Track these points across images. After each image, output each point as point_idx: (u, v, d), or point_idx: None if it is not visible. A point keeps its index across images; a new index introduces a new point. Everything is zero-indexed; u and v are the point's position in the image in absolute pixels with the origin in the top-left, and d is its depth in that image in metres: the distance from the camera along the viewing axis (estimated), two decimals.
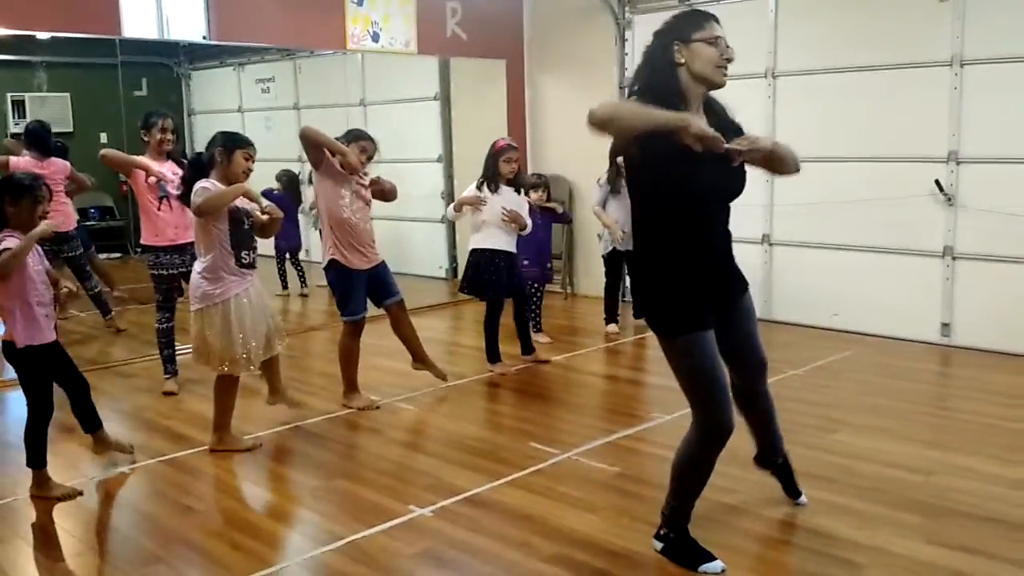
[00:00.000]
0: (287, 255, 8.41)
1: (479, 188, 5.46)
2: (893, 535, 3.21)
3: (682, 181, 2.75)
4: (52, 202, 5.87)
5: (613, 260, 6.62)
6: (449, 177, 8.85)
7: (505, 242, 5.46)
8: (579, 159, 7.39)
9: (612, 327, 6.59)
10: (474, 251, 5.52)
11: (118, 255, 9.51)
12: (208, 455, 4.22)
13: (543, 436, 4.39)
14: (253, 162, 4.15)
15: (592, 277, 8.00)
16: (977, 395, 4.97)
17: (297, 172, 8.59)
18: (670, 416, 4.62)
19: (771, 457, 3.44)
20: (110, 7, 5.68)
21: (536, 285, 6.39)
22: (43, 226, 3.69)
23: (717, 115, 2.87)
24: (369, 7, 6.97)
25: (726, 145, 2.64)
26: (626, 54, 7.56)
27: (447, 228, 8.95)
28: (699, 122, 2.61)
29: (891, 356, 5.80)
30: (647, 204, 2.86)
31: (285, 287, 8.40)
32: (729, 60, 2.78)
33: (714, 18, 2.82)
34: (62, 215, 6.22)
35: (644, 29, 7.39)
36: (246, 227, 4.12)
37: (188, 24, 6.12)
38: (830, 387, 5.12)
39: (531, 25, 8.20)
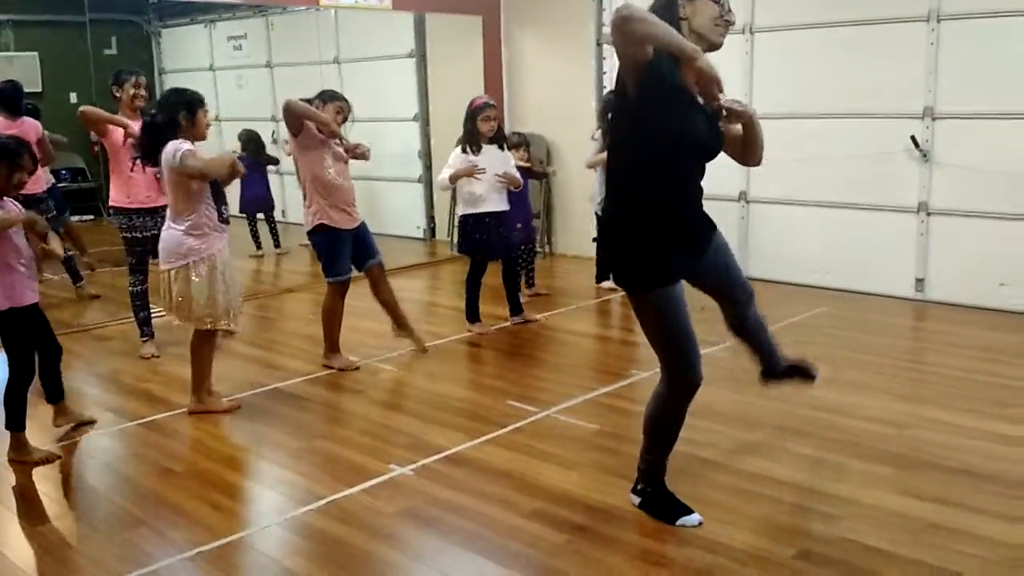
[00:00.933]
0: (260, 215, 8.35)
1: (463, 151, 5.39)
2: (867, 487, 3.27)
3: (673, 130, 2.73)
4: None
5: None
6: (426, 136, 8.78)
7: (494, 202, 5.42)
8: (557, 117, 7.37)
9: (606, 283, 6.64)
10: (463, 216, 5.49)
11: (90, 217, 9.38)
12: (187, 418, 4.21)
13: (522, 395, 4.41)
14: None
15: (570, 235, 8.01)
16: (950, 349, 5.04)
17: (272, 131, 8.50)
18: (648, 373, 4.65)
19: (776, 366, 3.33)
20: None
21: (527, 245, 6.43)
22: (25, 215, 3.66)
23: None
24: None
25: (721, 97, 2.66)
26: (604, 10, 7.49)
27: (424, 187, 8.90)
28: (708, 59, 2.60)
29: (866, 311, 5.86)
30: (630, 153, 2.82)
31: (259, 247, 8.35)
32: (729, 22, 2.79)
33: None
34: (36, 177, 6.13)
35: None
36: (220, 187, 4.10)
37: None
38: (806, 343, 5.15)
39: None
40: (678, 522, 3.03)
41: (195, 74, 10.14)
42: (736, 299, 3.14)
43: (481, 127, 5.35)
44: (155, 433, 4.05)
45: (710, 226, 2.97)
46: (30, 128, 6.25)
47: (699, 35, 2.76)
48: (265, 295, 6.89)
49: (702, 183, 2.91)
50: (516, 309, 5.74)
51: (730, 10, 2.80)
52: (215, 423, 4.17)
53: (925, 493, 3.21)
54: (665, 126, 2.72)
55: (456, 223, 5.60)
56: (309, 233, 4.87)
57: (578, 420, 4.04)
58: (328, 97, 4.80)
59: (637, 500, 3.15)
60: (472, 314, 5.57)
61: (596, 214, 6.66)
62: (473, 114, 5.39)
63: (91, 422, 4.11)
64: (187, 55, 10.61)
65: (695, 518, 3.03)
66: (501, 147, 5.50)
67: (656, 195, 2.80)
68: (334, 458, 3.71)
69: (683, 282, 2.88)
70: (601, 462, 3.58)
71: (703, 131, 2.78)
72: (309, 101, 4.73)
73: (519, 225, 6.13)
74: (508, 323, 5.70)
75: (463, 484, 3.41)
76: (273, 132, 8.82)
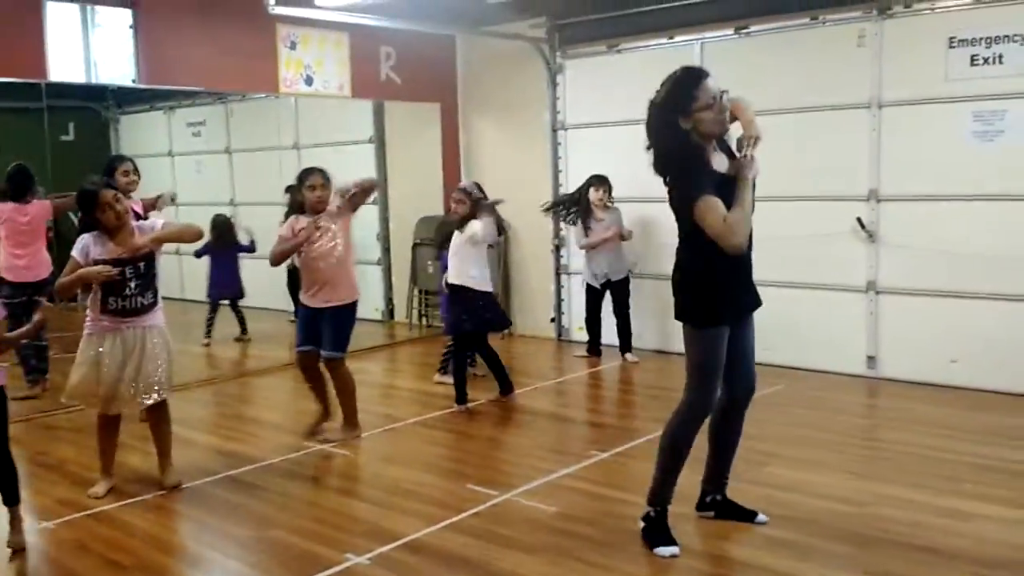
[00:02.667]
0: (224, 302, 8.14)
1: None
2: (828, 566, 3.26)
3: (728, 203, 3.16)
4: (33, 248, 5.82)
5: (592, 294, 6.90)
6: (385, 220, 8.84)
7: (457, 278, 5.63)
8: (514, 200, 7.44)
9: (593, 357, 6.90)
10: (483, 293, 5.65)
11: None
12: (136, 508, 4.09)
13: (481, 477, 4.36)
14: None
15: (528, 316, 8.04)
16: (904, 426, 5.09)
17: (230, 215, 8.48)
18: (607, 453, 4.64)
19: (720, 483, 3.68)
20: (36, 51, 5.59)
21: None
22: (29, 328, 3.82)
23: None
24: (302, 51, 6.98)
25: (751, 157, 3.20)
26: (557, 98, 7.69)
27: (383, 270, 8.92)
28: (751, 173, 3.19)
29: (820, 389, 5.93)
30: (695, 231, 3.19)
31: (208, 335, 8.08)
32: (725, 109, 3.17)
33: (704, 76, 3.17)
34: (42, 262, 6.14)
35: (575, 73, 7.57)
36: (118, 278, 4.04)
37: (117, 68, 6.05)
38: (761, 421, 5.16)
39: (465, 69, 8.29)
40: (656, 550, 3.32)
41: (154, 160, 10.16)
42: (736, 386, 3.48)
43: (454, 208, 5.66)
44: (103, 524, 3.92)
45: (756, 297, 3.46)
46: (42, 211, 6.21)
47: (706, 134, 3.18)
48: (221, 380, 6.78)
49: (752, 248, 3.34)
50: (507, 388, 5.85)
51: (723, 97, 3.16)
52: (166, 513, 4.05)
53: (889, 572, 3.21)
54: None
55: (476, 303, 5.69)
56: (350, 308, 5.00)
57: (538, 503, 3.99)
58: (304, 177, 4.94)
59: (642, 525, 3.43)
60: (462, 396, 5.68)
61: (588, 285, 6.91)
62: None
63: (22, 548, 3.70)
64: (146, 141, 10.64)
65: (672, 550, 3.31)
66: (461, 229, 5.64)
67: (716, 257, 3.18)
68: (288, 548, 3.62)
69: (727, 335, 3.32)
70: (561, 545, 3.53)
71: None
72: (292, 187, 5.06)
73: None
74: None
75: (421, 572, 3.34)
76: (232, 216, 8.81)
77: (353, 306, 4.99)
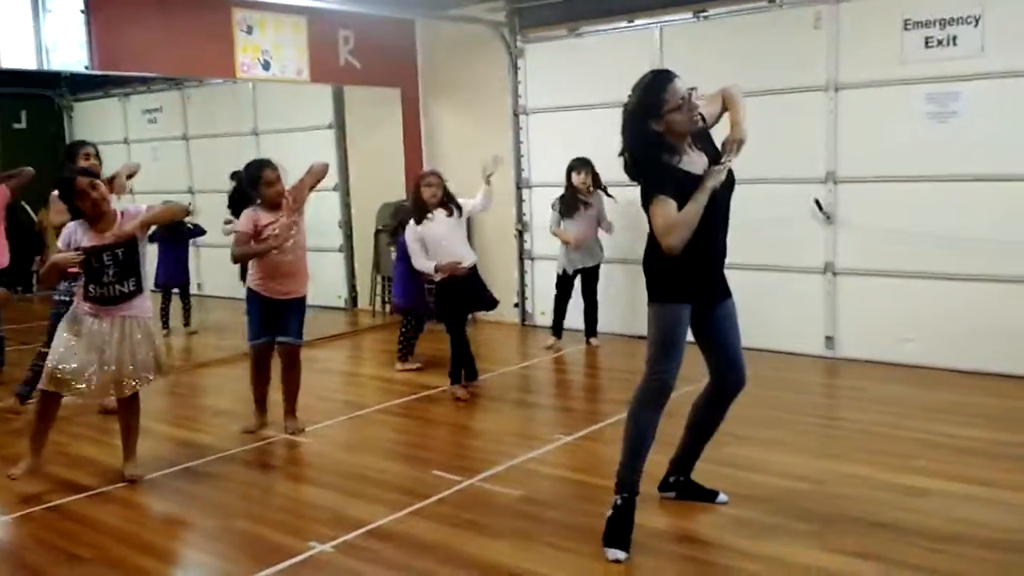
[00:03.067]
0: (174, 291, 8.05)
1: (416, 223, 5.49)
2: (788, 544, 3.31)
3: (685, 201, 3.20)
4: None
5: (568, 280, 6.80)
6: (346, 205, 8.78)
7: (461, 258, 5.51)
8: (476, 186, 7.42)
9: (554, 340, 6.81)
10: (438, 284, 5.55)
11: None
12: (96, 500, 4.04)
13: (446, 463, 4.37)
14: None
15: None
16: (861, 404, 5.18)
17: (188, 203, 8.36)
18: (572, 437, 4.67)
19: (686, 467, 3.76)
20: None
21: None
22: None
23: (699, 133, 3.37)
24: (259, 35, 6.88)
25: (724, 165, 3.26)
26: (519, 82, 7.67)
27: (345, 257, 8.86)
28: (712, 182, 3.21)
29: (779, 370, 6.00)
30: None
31: (165, 325, 7.99)
32: (695, 108, 3.23)
33: (673, 78, 3.22)
34: (2, 251, 6.02)
35: (536, 57, 7.55)
36: (95, 265, 4.03)
37: (69, 53, 5.92)
38: None
39: (425, 54, 8.23)
40: (605, 547, 3.25)
41: (109, 147, 9.97)
42: (724, 378, 3.53)
43: (424, 194, 5.47)
44: (62, 517, 3.86)
45: (724, 287, 3.52)
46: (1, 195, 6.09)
47: (678, 134, 3.23)
48: (178, 371, 6.70)
49: (726, 238, 3.47)
50: (472, 375, 5.77)
51: (691, 96, 3.22)
52: (126, 505, 4.01)
53: (847, 548, 3.27)
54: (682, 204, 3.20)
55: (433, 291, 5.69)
56: (302, 299, 4.99)
57: (503, 488, 4.01)
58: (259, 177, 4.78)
59: (609, 512, 3.34)
60: (456, 375, 5.63)
61: (559, 275, 6.83)
62: (416, 184, 5.55)
63: None
64: (100, 128, 10.44)
65: (616, 555, 3.22)
66: (451, 211, 5.54)
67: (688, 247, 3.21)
68: (252, 538, 3.60)
69: (689, 318, 3.36)
70: (527, 530, 3.55)
71: (716, 194, 3.23)
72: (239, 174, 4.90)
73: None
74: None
75: (386, 559, 3.34)
76: (190, 203, 8.69)
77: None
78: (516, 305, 7.88)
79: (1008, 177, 5.50)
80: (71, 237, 4.07)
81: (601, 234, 6.78)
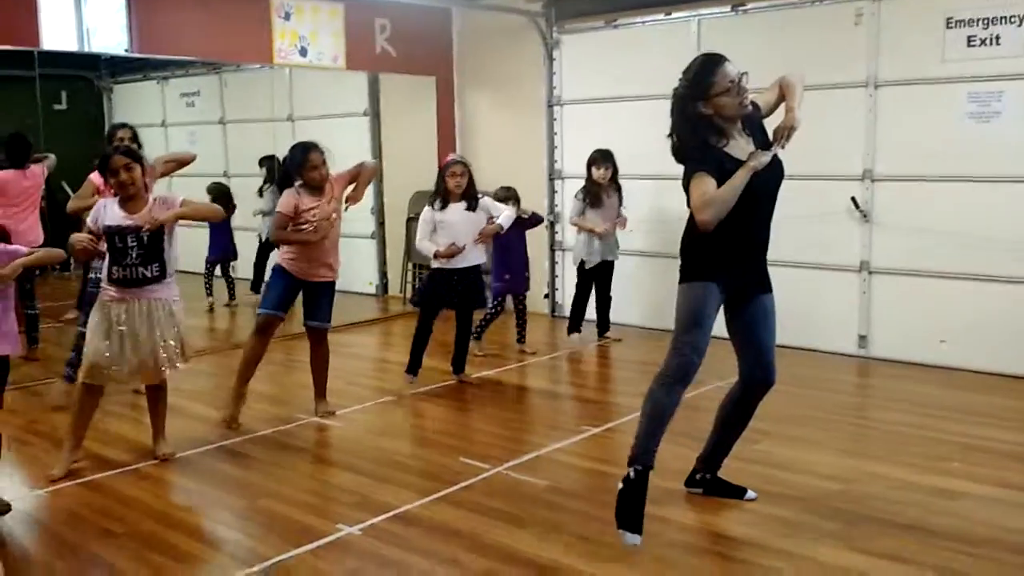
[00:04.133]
0: (218, 265, 8.29)
1: (431, 207, 5.40)
2: (816, 542, 3.29)
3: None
4: (29, 214, 5.76)
5: (589, 274, 6.66)
6: (379, 193, 8.80)
7: (463, 259, 5.37)
8: (509, 175, 7.43)
9: (576, 336, 6.68)
10: (433, 270, 5.49)
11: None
12: (129, 476, 4.10)
13: (473, 451, 4.39)
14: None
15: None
16: (893, 405, 5.13)
17: (227, 186, 8.47)
18: (599, 428, 4.67)
19: (714, 464, 3.73)
20: (29, 18, 5.54)
21: (519, 297, 6.47)
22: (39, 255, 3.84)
23: (750, 117, 3.35)
24: (296, 22, 6.92)
25: (771, 151, 3.25)
26: (554, 73, 7.65)
27: (376, 243, 8.90)
28: (754, 163, 3.19)
29: (811, 368, 5.96)
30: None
31: (210, 294, 8.23)
32: (745, 89, 3.22)
33: (723, 62, 3.21)
34: (36, 229, 6.17)
35: (571, 48, 7.53)
36: (119, 245, 4.05)
37: (110, 36, 6.00)
38: None
39: (460, 43, 8.24)
40: (620, 530, 3.18)
41: (147, 130, 10.05)
42: (751, 375, 3.49)
43: (448, 183, 5.36)
44: (95, 492, 3.93)
45: (764, 279, 3.48)
46: (38, 178, 6.26)
47: (727, 117, 3.23)
48: (213, 352, 6.78)
49: (769, 227, 3.43)
50: (460, 367, 5.68)
51: (741, 80, 3.22)
52: (157, 482, 4.07)
53: (875, 549, 3.24)
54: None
55: (426, 274, 5.63)
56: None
57: (529, 477, 4.02)
58: (299, 156, 4.78)
59: (620, 485, 3.25)
60: (414, 364, 5.53)
61: (579, 268, 6.70)
62: (442, 171, 5.44)
63: (4, 510, 3.74)
64: (139, 111, 10.54)
65: (635, 538, 3.16)
66: (471, 206, 5.43)
67: (725, 231, 3.21)
68: (280, 518, 3.64)
69: (717, 300, 3.32)
70: (552, 519, 3.56)
71: (760, 181, 3.23)
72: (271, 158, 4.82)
73: (506, 276, 6.24)
74: (451, 379, 5.67)
75: (412, 544, 3.36)
76: (233, 206, 8.79)
77: None
78: (546, 296, 7.88)
79: None
80: (98, 214, 4.10)
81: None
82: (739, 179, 3.15)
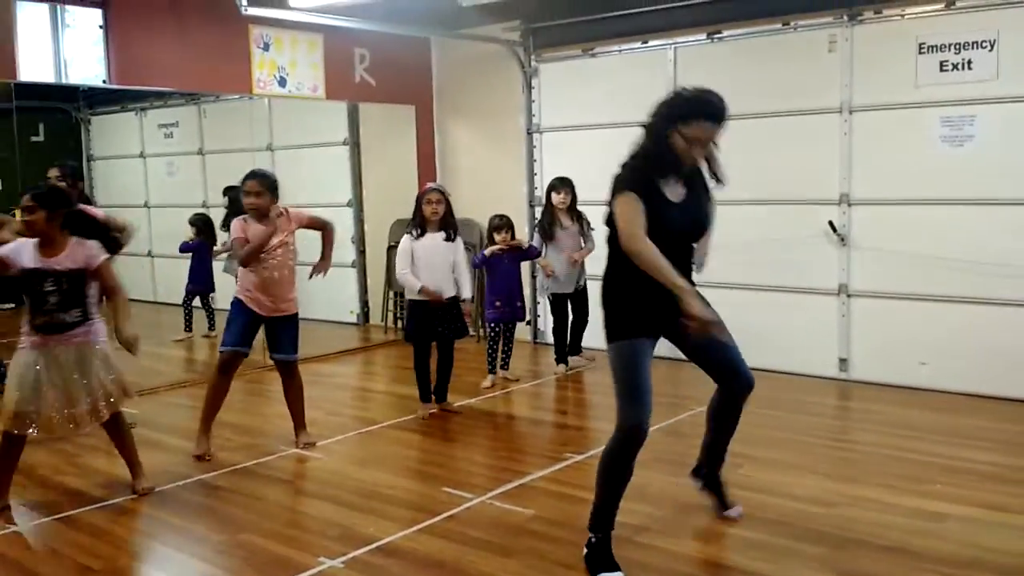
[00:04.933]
0: (197, 297, 8.22)
1: (408, 234, 5.40)
2: (800, 567, 3.29)
3: (654, 224, 3.13)
4: None
5: (557, 302, 6.64)
6: (360, 221, 8.80)
7: (436, 287, 5.35)
8: (489, 203, 7.45)
9: (562, 367, 6.65)
10: (410, 302, 5.47)
11: (11, 306, 9.10)
12: (106, 511, 4.04)
13: (456, 480, 4.35)
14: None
15: None
16: (875, 427, 5.14)
17: (211, 217, 8.45)
18: (583, 455, 4.65)
19: (713, 461, 3.75)
20: (6, 51, 5.53)
21: (508, 324, 6.43)
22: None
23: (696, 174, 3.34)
24: (275, 52, 6.94)
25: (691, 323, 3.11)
26: (533, 101, 7.70)
27: (357, 272, 8.88)
28: (697, 304, 3.10)
29: (792, 391, 5.97)
30: (617, 236, 3.18)
31: (188, 329, 8.15)
32: (710, 154, 3.28)
33: (720, 117, 3.22)
34: None
35: (550, 76, 7.60)
36: (37, 289, 3.88)
37: (87, 68, 5.99)
38: None
39: (439, 72, 8.29)
40: (598, 574, 3.20)
41: (125, 161, 10.04)
42: (732, 387, 3.48)
43: (424, 211, 5.35)
44: (72, 528, 3.87)
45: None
46: None
47: (681, 152, 3.18)
48: (190, 384, 6.72)
49: (690, 265, 3.39)
50: (442, 396, 5.66)
51: (712, 148, 3.27)
52: (135, 516, 4.01)
53: (859, 572, 3.24)
54: (649, 221, 3.13)
55: (406, 308, 5.59)
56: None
57: (514, 505, 3.99)
58: (241, 182, 4.83)
59: (585, 551, 3.30)
60: (424, 394, 5.56)
61: (548, 299, 6.70)
62: (419, 198, 5.43)
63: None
64: (117, 142, 10.51)
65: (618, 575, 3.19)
66: (449, 236, 5.42)
67: (638, 273, 3.14)
68: (260, 552, 3.59)
69: (650, 348, 3.24)
70: (537, 548, 3.53)
71: (680, 221, 3.23)
72: (235, 188, 4.81)
73: (497, 303, 6.21)
74: (434, 408, 5.64)
75: None
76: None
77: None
78: (528, 323, 7.87)
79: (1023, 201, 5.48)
80: (16, 254, 3.90)
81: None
82: (672, 281, 3.07)
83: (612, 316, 3.26)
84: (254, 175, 4.83)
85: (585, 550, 3.31)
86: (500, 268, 6.20)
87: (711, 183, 3.38)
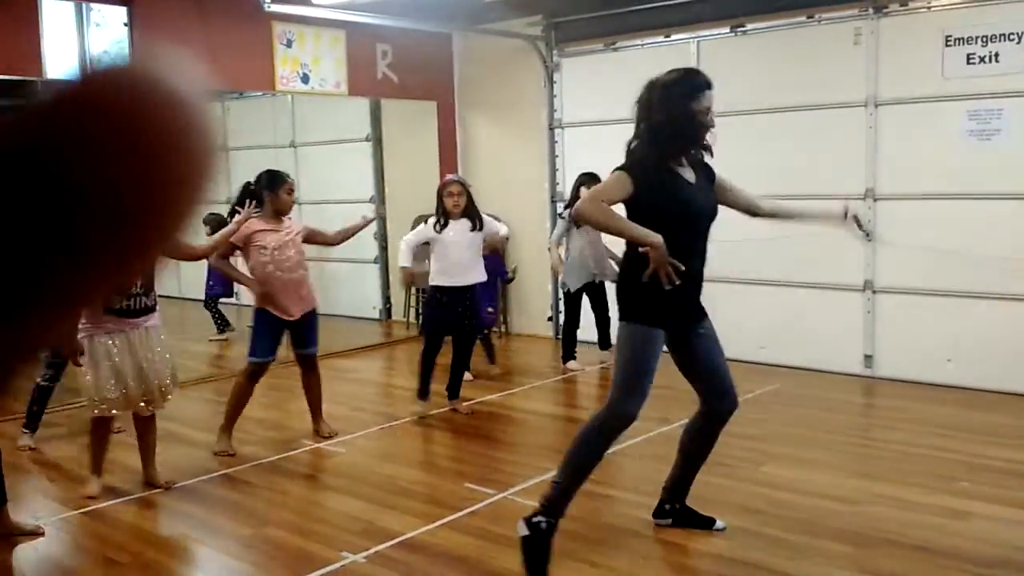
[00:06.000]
0: (217, 299, 8.25)
1: (433, 227, 5.38)
2: (825, 565, 3.27)
3: (669, 209, 3.14)
4: None
5: (576, 298, 6.48)
6: (382, 217, 8.81)
7: (461, 277, 5.34)
8: (511, 199, 7.47)
9: (572, 363, 6.56)
10: (431, 291, 5.47)
11: None
12: (132, 505, 4.08)
13: (478, 476, 4.36)
14: None
15: (525, 315, 8.04)
16: (900, 425, 5.10)
17: (224, 215, 8.48)
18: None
19: (681, 493, 3.58)
20: (33, 49, 5.57)
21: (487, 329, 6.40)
22: None
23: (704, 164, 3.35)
24: (298, 49, 6.97)
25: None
26: (555, 96, 7.68)
27: (380, 268, 8.91)
28: (663, 251, 3.03)
29: (817, 388, 5.93)
30: (633, 219, 3.17)
31: (221, 331, 8.21)
32: (713, 124, 3.22)
33: (710, 87, 3.18)
34: None
35: (571, 71, 7.57)
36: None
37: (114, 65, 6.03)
38: (758, 420, 5.19)
39: (461, 67, 8.28)
40: None
41: None
42: (715, 403, 3.36)
43: (446, 203, 5.34)
44: (100, 522, 3.91)
45: (701, 308, 3.35)
46: None
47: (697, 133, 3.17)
48: (216, 379, 6.77)
49: (706, 251, 3.28)
50: (455, 393, 5.58)
51: (711, 117, 3.20)
52: (162, 511, 4.05)
53: (882, 570, 3.21)
54: (663, 203, 3.14)
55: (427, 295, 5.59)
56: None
57: (535, 502, 3.97)
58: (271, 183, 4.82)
59: (525, 531, 3.18)
60: (424, 391, 5.49)
61: (566, 293, 6.55)
62: (439, 190, 5.43)
63: (36, 534, 3.75)
64: None
65: None
66: (475, 226, 5.40)
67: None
68: (284, 546, 3.62)
69: (661, 345, 3.22)
70: (558, 545, 3.51)
71: (696, 205, 3.22)
72: (253, 184, 4.83)
73: (489, 309, 6.16)
74: (446, 405, 5.60)
75: (418, 571, 3.34)
76: (226, 214, 8.81)
77: None
78: (549, 319, 7.87)
79: None
80: None
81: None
82: (638, 233, 3.06)
83: (631, 296, 3.25)
84: (286, 176, 4.89)
85: (526, 530, 3.18)
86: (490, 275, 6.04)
87: (708, 158, 3.36)
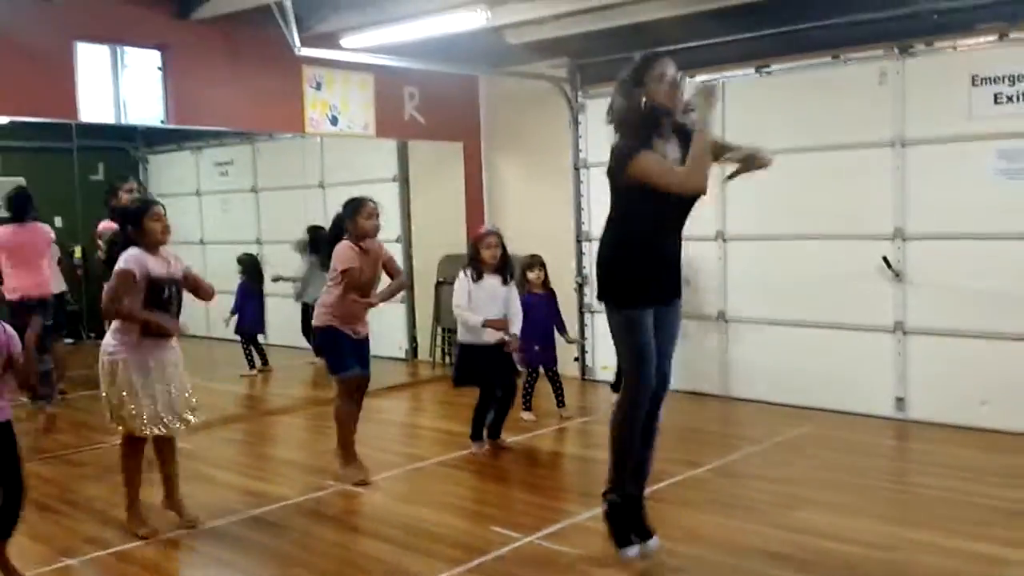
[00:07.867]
0: (249, 336, 8.33)
1: (465, 275, 5.43)
2: None
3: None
4: (34, 266, 5.86)
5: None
6: (408, 257, 8.85)
7: (491, 334, 5.38)
8: (537, 238, 7.45)
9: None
10: (462, 346, 5.50)
11: (71, 340, 9.32)
12: (161, 546, 4.08)
13: (504, 519, 4.32)
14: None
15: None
16: (934, 469, 5.01)
17: (256, 254, 8.58)
18: None
19: (635, 489, 3.64)
20: (67, 92, 5.69)
21: (550, 367, 6.36)
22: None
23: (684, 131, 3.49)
24: (328, 91, 7.07)
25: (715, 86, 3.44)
26: (580, 136, 7.72)
27: (406, 308, 8.93)
28: (708, 106, 3.37)
29: (848, 431, 5.84)
30: (622, 202, 3.45)
31: (252, 367, 8.28)
32: (681, 88, 3.44)
33: (665, 55, 3.50)
34: (40, 279, 6.23)
35: (596, 111, 7.57)
36: (165, 297, 4.11)
37: (146, 108, 6.15)
38: (789, 463, 5.13)
39: (487, 109, 8.36)
40: (620, 552, 3.51)
41: (182, 199, 10.28)
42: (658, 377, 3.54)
43: (484, 255, 5.40)
44: (127, 563, 3.91)
45: (678, 286, 3.57)
46: (40, 231, 6.35)
47: (663, 108, 3.39)
48: (246, 419, 6.79)
49: (682, 232, 3.50)
50: (496, 433, 5.61)
51: (680, 80, 3.43)
52: (189, 552, 4.04)
53: None
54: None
55: (455, 352, 5.60)
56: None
57: (562, 546, 3.94)
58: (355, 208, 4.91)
59: (605, 506, 3.55)
60: (476, 432, 5.52)
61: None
62: (475, 242, 5.48)
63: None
64: (174, 180, 10.78)
65: (634, 551, 3.48)
66: (505, 280, 5.47)
67: (642, 231, 3.40)
68: None
69: (651, 317, 3.43)
70: None
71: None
72: (341, 219, 4.94)
73: (536, 348, 6.13)
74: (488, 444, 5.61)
75: None
76: (257, 254, 8.90)
77: None
78: (576, 359, 7.83)
79: None
80: (138, 263, 4.00)
81: None
82: (699, 145, 3.24)
83: (615, 282, 3.45)
84: (368, 198, 4.96)
85: (606, 506, 3.54)
86: (536, 314, 6.05)
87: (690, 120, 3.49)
